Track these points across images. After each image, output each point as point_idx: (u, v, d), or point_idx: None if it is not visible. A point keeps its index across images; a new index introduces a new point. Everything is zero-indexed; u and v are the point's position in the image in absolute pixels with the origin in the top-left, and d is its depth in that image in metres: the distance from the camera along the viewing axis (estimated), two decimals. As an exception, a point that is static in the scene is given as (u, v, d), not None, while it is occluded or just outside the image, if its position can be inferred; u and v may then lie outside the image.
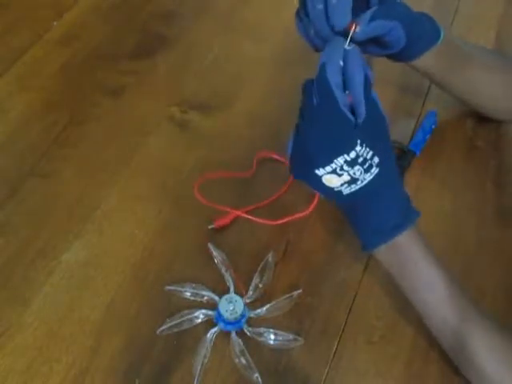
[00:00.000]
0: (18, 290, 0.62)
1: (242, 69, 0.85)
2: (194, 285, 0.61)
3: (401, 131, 0.76)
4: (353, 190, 0.51)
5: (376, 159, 0.50)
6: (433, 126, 0.76)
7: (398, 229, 0.53)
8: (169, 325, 0.58)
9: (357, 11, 0.55)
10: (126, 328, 0.59)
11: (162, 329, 0.58)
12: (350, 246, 0.65)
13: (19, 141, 0.76)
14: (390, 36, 0.59)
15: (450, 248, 0.66)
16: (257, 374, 0.55)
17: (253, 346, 0.58)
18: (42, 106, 0.80)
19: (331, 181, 0.50)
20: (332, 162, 0.49)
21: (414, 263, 0.55)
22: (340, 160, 0.49)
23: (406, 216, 0.54)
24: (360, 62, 0.50)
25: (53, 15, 0.92)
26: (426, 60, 0.66)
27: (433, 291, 0.54)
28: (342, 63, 0.50)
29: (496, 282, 0.63)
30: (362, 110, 0.49)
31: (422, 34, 0.64)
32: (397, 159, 0.72)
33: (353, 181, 0.50)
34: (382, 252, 0.55)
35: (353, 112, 0.50)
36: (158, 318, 0.59)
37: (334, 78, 0.49)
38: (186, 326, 0.59)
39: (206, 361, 0.56)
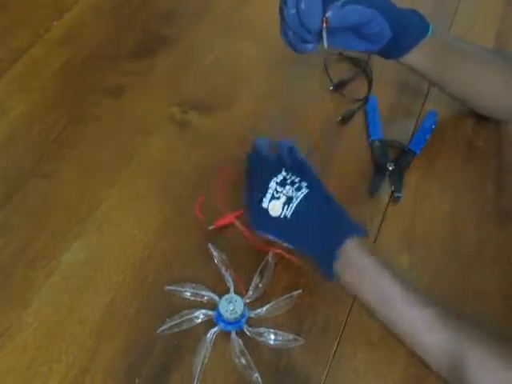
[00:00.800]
0: (18, 290, 0.62)
1: (242, 69, 0.85)
2: (193, 285, 0.61)
3: (401, 131, 0.77)
4: (292, 208, 0.57)
5: (304, 183, 0.58)
6: (433, 126, 0.76)
7: (338, 242, 0.56)
8: (169, 325, 0.58)
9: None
10: (125, 328, 0.59)
11: (162, 329, 0.58)
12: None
13: (19, 141, 0.76)
14: (371, 27, 0.62)
15: (450, 248, 0.66)
16: (257, 374, 0.55)
17: (253, 345, 0.58)
18: (41, 106, 0.80)
19: (274, 208, 0.58)
20: (268, 187, 0.58)
21: (367, 277, 0.55)
22: (272, 183, 0.58)
23: (344, 231, 0.56)
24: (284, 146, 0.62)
25: (53, 15, 0.92)
26: (417, 56, 0.67)
27: (395, 306, 0.54)
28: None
29: (496, 282, 0.63)
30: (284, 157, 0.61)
31: (408, 27, 0.65)
32: (397, 159, 0.73)
33: (289, 199, 0.57)
34: (341, 278, 0.56)
35: None
36: (158, 318, 0.59)
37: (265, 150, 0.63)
38: (185, 326, 0.59)
39: (206, 361, 0.56)
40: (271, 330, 0.58)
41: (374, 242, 0.66)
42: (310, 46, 0.63)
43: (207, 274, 0.62)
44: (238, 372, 0.56)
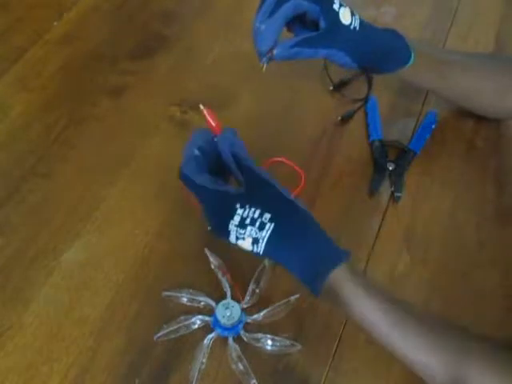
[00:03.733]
0: (18, 290, 0.62)
1: (242, 69, 0.85)
2: (191, 290, 0.61)
3: (401, 131, 0.77)
4: (262, 248, 0.52)
5: (267, 215, 0.51)
6: (433, 126, 0.76)
7: (321, 276, 0.51)
8: (166, 331, 0.58)
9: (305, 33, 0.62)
10: (125, 328, 0.59)
11: (158, 335, 0.58)
12: (348, 247, 0.65)
13: (19, 141, 0.76)
14: (333, 60, 0.64)
15: (450, 248, 0.66)
16: (254, 380, 0.55)
17: (251, 349, 0.58)
18: (41, 106, 0.80)
19: (243, 246, 0.52)
20: (227, 230, 0.52)
21: (354, 306, 0.50)
22: (231, 226, 0.52)
23: (328, 259, 0.51)
24: (225, 143, 0.55)
25: (53, 15, 0.92)
26: (405, 73, 0.68)
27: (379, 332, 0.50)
28: (197, 152, 0.55)
29: (496, 281, 0.63)
30: (240, 178, 0.54)
31: (385, 58, 0.66)
32: (397, 159, 0.73)
33: (255, 240, 0.51)
34: (325, 296, 0.52)
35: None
36: (158, 319, 0.59)
37: (194, 170, 0.54)
38: (182, 332, 0.58)
39: (203, 367, 0.56)
40: (268, 336, 0.58)
41: (374, 242, 0.66)
42: (262, 61, 0.63)
43: (204, 278, 0.62)
44: (235, 377, 0.56)
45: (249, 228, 0.51)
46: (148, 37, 0.90)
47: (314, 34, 0.62)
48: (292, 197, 0.53)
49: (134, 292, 0.62)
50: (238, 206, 0.51)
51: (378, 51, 0.65)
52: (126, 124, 0.78)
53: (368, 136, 0.76)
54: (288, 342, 0.58)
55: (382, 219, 0.68)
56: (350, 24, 0.62)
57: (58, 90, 0.82)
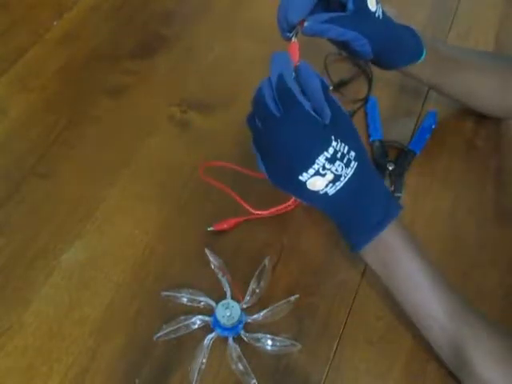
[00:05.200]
0: (18, 290, 0.62)
1: (242, 69, 0.85)
2: (190, 290, 0.61)
3: (401, 131, 0.76)
4: (338, 187, 0.51)
5: (352, 153, 0.51)
6: (433, 126, 0.76)
7: (379, 225, 0.53)
8: (165, 331, 0.58)
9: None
10: (125, 328, 0.59)
11: (158, 335, 0.58)
12: (347, 247, 0.66)
13: (19, 141, 0.76)
14: (355, 46, 0.61)
15: (450, 248, 0.66)
16: (254, 380, 0.55)
17: (251, 349, 0.57)
18: (41, 105, 0.80)
19: (315, 184, 0.50)
20: (314, 162, 0.49)
21: (397, 259, 0.54)
22: (321, 159, 0.49)
23: (387, 211, 0.54)
24: (311, 70, 0.52)
25: (53, 15, 0.92)
26: (411, 69, 0.68)
27: (419, 289, 0.54)
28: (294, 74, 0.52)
29: (496, 281, 0.63)
30: (326, 111, 0.50)
31: (399, 51, 0.65)
32: (397, 159, 0.73)
33: (337, 178, 0.50)
34: (368, 251, 0.55)
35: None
36: (158, 319, 0.59)
37: (294, 86, 0.50)
38: (182, 332, 0.58)
39: (203, 367, 0.56)
40: (268, 336, 0.58)
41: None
42: (286, 34, 0.60)
43: (204, 278, 0.62)
44: (235, 378, 0.56)
45: (337, 163, 0.49)
46: (148, 37, 0.90)
47: (345, 14, 0.58)
48: None
49: (134, 292, 0.62)
50: (332, 137, 0.49)
51: (394, 43, 0.64)
52: (126, 124, 0.78)
53: (368, 136, 0.76)
54: (288, 342, 0.58)
55: (382, 219, 0.68)
56: (376, 11, 0.60)
57: (58, 90, 0.82)
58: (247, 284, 0.61)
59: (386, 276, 0.56)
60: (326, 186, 0.51)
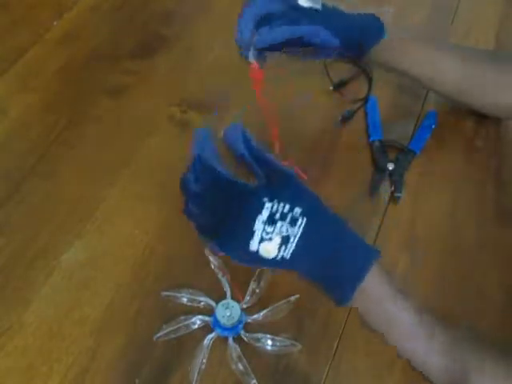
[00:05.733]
0: (18, 290, 0.62)
1: (242, 69, 0.85)
2: (190, 290, 0.61)
3: (401, 131, 0.77)
4: (292, 248, 0.47)
5: (297, 209, 0.47)
6: (433, 126, 0.76)
7: (358, 276, 0.49)
8: (165, 331, 0.58)
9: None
10: (125, 328, 0.59)
11: (158, 335, 0.58)
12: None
13: (19, 141, 0.76)
14: (317, 38, 0.61)
15: (450, 248, 0.66)
16: (254, 381, 0.55)
17: (251, 349, 0.57)
18: (41, 105, 0.80)
19: (268, 250, 0.47)
20: (252, 228, 0.47)
21: (383, 307, 0.51)
22: (258, 223, 0.47)
23: (364, 258, 0.50)
24: (237, 133, 0.52)
25: (53, 15, 0.92)
26: (379, 55, 0.68)
27: (411, 339, 0.51)
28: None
29: (496, 282, 0.63)
30: (258, 172, 0.49)
31: (363, 29, 0.66)
32: (397, 159, 0.73)
33: (286, 239, 0.47)
34: (354, 301, 0.51)
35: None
36: (158, 319, 0.59)
37: (213, 159, 0.50)
38: (182, 332, 0.58)
39: (203, 367, 0.56)
40: (268, 336, 0.58)
41: (374, 242, 0.66)
42: (247, 54, 0.62)
43: (204, 278, 0.62)
44: (235, 378, 0.56)
45: (279, 224, 0.46)
46: (148, 37, 0.90)
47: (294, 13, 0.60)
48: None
49: (134, 292, 0.62)
50: (265, 199, 0.46)
51: (354, 25, 0.65)
52: (126, 124, 0.78)
53: (368, 136, 0.76)
54: (288, 342, 0.58)
55: (382, 219, 0.68)
56: (311, 7, 0.62)
57: (58, 89, 0.82)
58: (247, 284, 0.61)
59: (376, 323, 0.53)
60: (279, 249, 0.47)
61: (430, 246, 0.66)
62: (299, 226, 0.47)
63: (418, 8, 0.94)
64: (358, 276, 0.49)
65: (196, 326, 0.59)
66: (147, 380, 0.56)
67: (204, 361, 0.56)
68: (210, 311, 0.60)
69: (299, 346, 0.58)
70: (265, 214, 0.46)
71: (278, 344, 0.58)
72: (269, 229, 0.47)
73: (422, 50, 0.70)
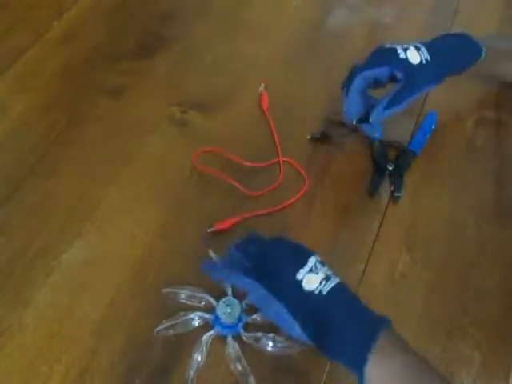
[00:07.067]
0: (18, 290, 0.62)
1: (242, 69, 0.85)
2: (191, 288, 0.61)
3: (401, 131, 0.76)
4: (330, 286, 0.53)
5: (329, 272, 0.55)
6: (433, 126, 0.76)
7: (368, 346, 0.50)
8: (165, 325, 0.58)
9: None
10: (125, 328, 0.59)
11: (158, 329, 0.58)
12: (348, 247, 0.66)
13: (19, 141, 0.76)
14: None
15: (450, 248, 0.66)
16: (251, 378, 0.55)
17: (251, 349, 0.57)
18: (41, 105, 0.80)
19: (310, 280, 0.53)
20: (307, 260, 0.54)
21: (398, 375, 0.50)
22: (312, 258, 0.55)
23: (377, 326, 0.52)
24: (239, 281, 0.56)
25: (53, 15, 0.92)
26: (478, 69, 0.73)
27: None
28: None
29: (496, 281, 0.63)
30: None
31: (461, 64, 0.72)
32: (397, 159, 0.73)
33: (327, 277, 0.53)
34: (369, 370, 0.50)
35: None
36: (158, 319, 0.59)
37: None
38: (182, 328, 0.58)
39: (201, 364, 0.56)
40: (269, 336, 0.58)
41: (374, 242, 0.66)
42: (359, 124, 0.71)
43: (204, 278, 0.62)
44: (234, 377, 0.56)
45: (326, 267, 0.55)
46: (148, 37, 0.90)
47: (398, 89, 0.68)
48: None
49: (134, 292, 0.62)
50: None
51: (458, 63, 0.71)
52: (126, 124, 0.78)
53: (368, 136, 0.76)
54: (289, 343, 0.58)
55: (382, 219, 0.68)
56: (421, 60, 0.68)
57: (58, 90, 0.82)
58: (247, 284, 0.61)
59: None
60: (321, 282, 0.53)
61: (430, 246, 0.66)
62: (336, 279, 0.54)
63: (418, 8, 0.94)
64: (371, 341, 0.51)
65: (195, 323, 0.59)
66: (147, 380, 0.56)
67: (202, 358, 0.56)
68: (210, 309, 0.60)
69: (299, 347, 0.57)
70: (317, 257, 0.56)
71: (278, 345, 0.57)
72: (319, 266, 0.54)
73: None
